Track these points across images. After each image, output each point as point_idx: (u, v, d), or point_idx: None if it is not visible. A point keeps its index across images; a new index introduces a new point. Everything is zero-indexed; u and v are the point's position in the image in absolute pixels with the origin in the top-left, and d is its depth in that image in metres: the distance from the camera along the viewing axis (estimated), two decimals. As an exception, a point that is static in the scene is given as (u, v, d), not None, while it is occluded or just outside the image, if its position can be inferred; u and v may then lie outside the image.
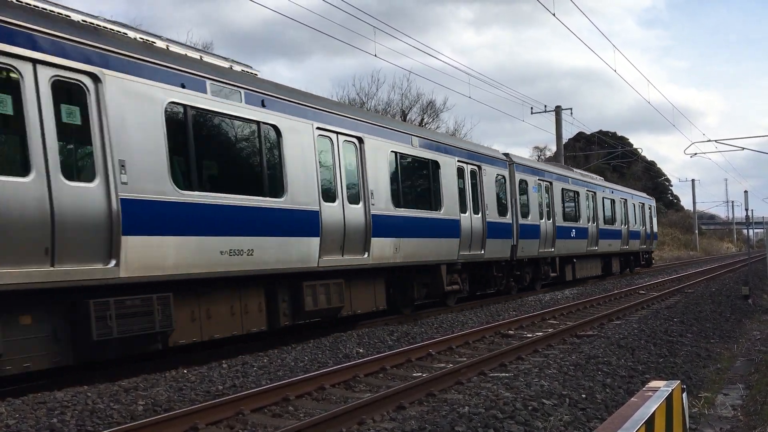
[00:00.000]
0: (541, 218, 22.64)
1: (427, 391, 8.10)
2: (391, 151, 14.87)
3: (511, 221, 20.47)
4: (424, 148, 16.34)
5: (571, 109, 38.05)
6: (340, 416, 6.84)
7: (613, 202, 31.06)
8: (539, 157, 69.44)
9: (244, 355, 10.62)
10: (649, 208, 38.50)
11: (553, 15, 18.82)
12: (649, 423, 3.41)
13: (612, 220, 30.70)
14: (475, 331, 12.77)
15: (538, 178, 23.01)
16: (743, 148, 35.90)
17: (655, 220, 40.54)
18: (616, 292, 22.08)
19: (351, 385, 8.74)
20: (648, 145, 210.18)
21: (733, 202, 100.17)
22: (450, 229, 16.95)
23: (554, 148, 44.01)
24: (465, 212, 17.72)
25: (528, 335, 13.07)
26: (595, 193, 28.80)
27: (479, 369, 9.46)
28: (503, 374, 9.36)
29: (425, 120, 46.66)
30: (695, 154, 34.35)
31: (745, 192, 24.71)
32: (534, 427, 6.35)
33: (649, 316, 15.18)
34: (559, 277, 25.09)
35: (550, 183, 23.96)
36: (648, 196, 40.45)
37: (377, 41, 22.21)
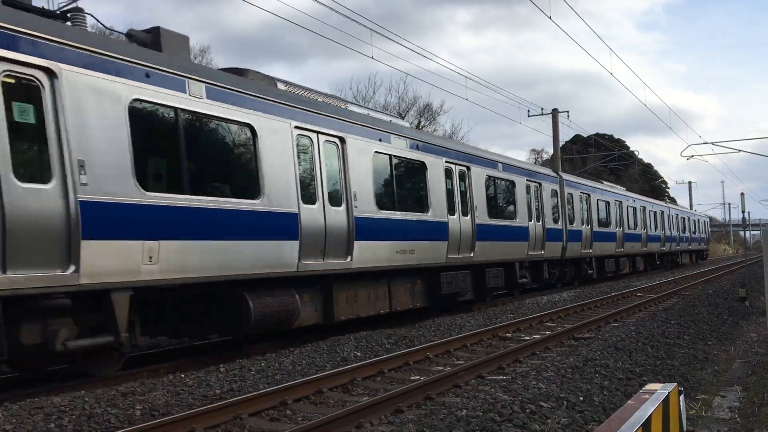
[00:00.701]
0: (666, 231, 41.50)
1: (425, 394, 8.10)
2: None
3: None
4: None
5: (567, 112, 38.29)
6: (337, 420, 6.84)
7: (695, 221, 53.65)
8: (536, 159, 69.45)
9: (241, 359, 10.60)
10: (708, 223, 63.76)
11: (549, 18, 18.86)
12: (646, 425, 3.41)
13: (694, 231, 52.28)
14: (472, 335, 12.77)
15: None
16: (740, 150, 36.04)
17: (709, 229, 64.59)
18: (613, 294, 22.10)
19: (349, 389, 8.74)
20: (645, 147, 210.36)
21: (729, 204, 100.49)
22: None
23: (551, 151, 44.09)
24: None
25: (526, 338, 13.08)
26: (688, 217, 51.00)
27: (477, 372, 9.46)
28: (501, 377, 9.37)
29: (422, 123, 46.75)
30: (692, 156, 34.45)
31: (742, 194, 24.78)
32: (532, 430, 6.35)
33: (647, 318, 15.19)
34: (675, 262, 45.92)
35: (677, 215, 45.80)
36: (705, 215, 65.19)
37: (374, 44, 22.21)
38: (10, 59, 7.75)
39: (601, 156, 59.73)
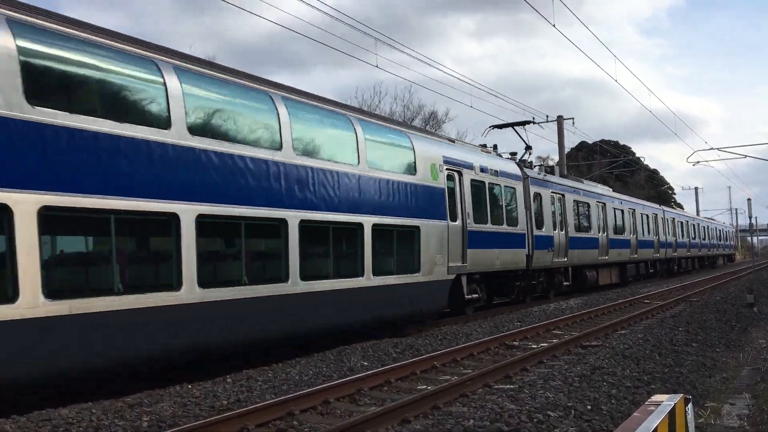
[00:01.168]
0: (711, 240, 58.20)
1: (431, 404, 8.09)
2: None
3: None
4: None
5: (573, 118, 38.09)
6: (344, 430, 6.83)
7: (726, 232, 69.25)
8: (541, 166, 69.34)
9: (248, 370, 10.61)
10: (733, 233, 78.77)
11: (553, 26, 18.89)
12: (653, 437, 3.39)
13: (725, 239, 67.66)
14: (479, 343, 12.75)
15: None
16: (745, 156, 35.90)
17: (734, 237, 79.35)
18: (621, 301, 22.02)
19: (356, 399, 8.73)
20: (650, 153, 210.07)
21: (736, 209, 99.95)
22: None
23: (557, 158, 44.05)
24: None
25: (533, 346, 13.04)
26: (722, 229, 67.01)
27: (484, 381, 9.44)
28: (508, 386, 9.34)
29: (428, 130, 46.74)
30: (698, 162, 34.41)
31: (749, 200, 24.73)
32: (539, 440, 6.33)
33: (654, 325, 15.13)
34: (714, 262, 60.24)
35: (716, 228, 62.39)
36: (732, 226, 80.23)
37: (379, 53, 22.37)
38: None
39: (607, 162, 59.65)
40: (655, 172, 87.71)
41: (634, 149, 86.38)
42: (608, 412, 7.37)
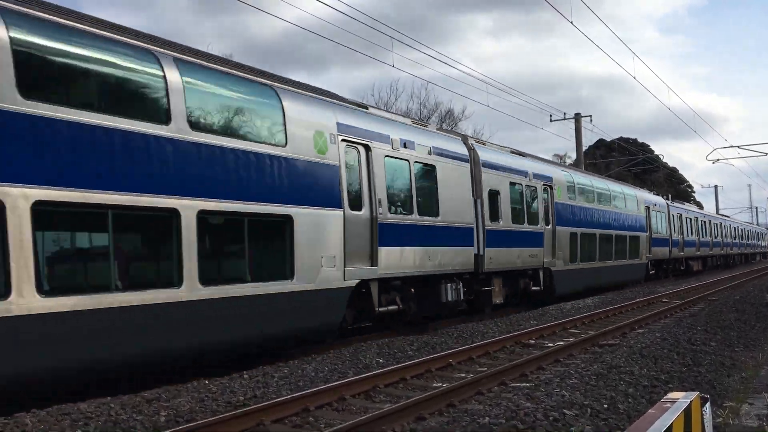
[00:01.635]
0: (755, 241, 76.85)
1: (447, 401, 8.09)
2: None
3: None
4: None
5: (590, 116, 37.97)
6: (360, 427, 6.86)
7: (763, 234, 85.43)
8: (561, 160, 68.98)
9: (264, 366, 10.67)
10: (767, 234, 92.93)
11: (571, 23, 18.79)
12: (668, 435, 3.37)
13: (762, 239, 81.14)
14: (495, 341, 12.72)
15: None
16: (766, 153, 35.51)
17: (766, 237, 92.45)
18: (638, 300, 21.87)
19: (371, 396, 8.75)
20: (670, 151, 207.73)
21: (757, 208, 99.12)
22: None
23: (574, 156, 43.82)
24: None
25: (549, 345, 12.99)
26: (760, 232, 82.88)
27: (500, 379, 9.42)
28: (524, 384, 9.31)
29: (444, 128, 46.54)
30: (717, 160, 34.16)
31: (769, 198, 24.56)
32: (555, 438, 6.32)
33: (672, 324, 15.03)
34: (753, 259, 76.21)
35: (756, 231, 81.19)
36: (765, 228, 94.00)
37: (395, 52, 22.38)
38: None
39: (625, 160, 59.24)
40: (674, 170, 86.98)
41: (653, 147, 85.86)
42: (625, 411, 7.34)
